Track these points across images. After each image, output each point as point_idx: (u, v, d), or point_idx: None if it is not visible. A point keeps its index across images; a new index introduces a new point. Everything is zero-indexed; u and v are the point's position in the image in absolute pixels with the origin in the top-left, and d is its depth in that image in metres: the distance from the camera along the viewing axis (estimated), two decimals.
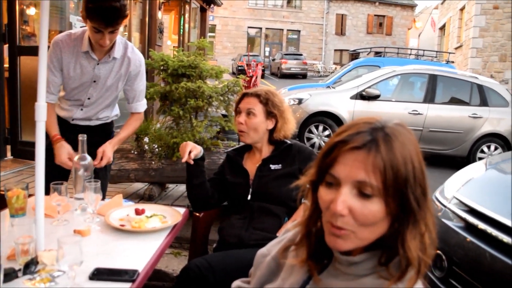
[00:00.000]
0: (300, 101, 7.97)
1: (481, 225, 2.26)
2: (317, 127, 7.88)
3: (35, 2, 5.95)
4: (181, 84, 3.82)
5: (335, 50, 38.34)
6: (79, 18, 5.91)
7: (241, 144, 2.48)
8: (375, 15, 38.86)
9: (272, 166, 2.25)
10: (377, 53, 16.30)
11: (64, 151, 2.30)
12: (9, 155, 5.55)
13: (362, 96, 7.88)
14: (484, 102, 7.95)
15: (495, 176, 2.97)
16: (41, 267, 1.47)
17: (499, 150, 7.81)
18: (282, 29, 38.37)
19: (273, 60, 32.68)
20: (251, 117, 2.26)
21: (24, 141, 5.46)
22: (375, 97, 7.84)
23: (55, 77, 2.39)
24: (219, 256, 2.03)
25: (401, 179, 0.92)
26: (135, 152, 4.02)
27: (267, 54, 37.48)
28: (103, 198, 2.22)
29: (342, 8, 38.15)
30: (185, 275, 1.90)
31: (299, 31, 38.32)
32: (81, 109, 2.54)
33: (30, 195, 1.97)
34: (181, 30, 12.61)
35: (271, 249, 1.22)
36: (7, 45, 5.47)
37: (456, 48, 20.72)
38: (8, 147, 5.59)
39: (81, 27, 2.37)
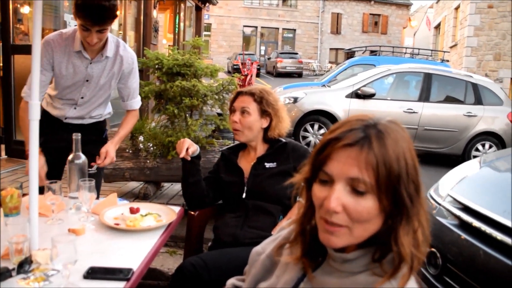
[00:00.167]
0: (295, 99, 7.98)
1: (475, 223, 2.26)
2: (312, 126, 7.89)
3: (29, 0, 5.92)
4: (176, 83, 3.81)
5: (331, 49, 38.38)
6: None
7: (236, 142, 2.48)
8: (370, 14, 38.92)
9: (267, 164, 2.26)
10: (373, 52, 16.35)
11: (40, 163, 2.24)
12: (3, 155, 5.53)
13: (357, 95, 7.90)
14: (478, 101, 7.98)
15: (489, 174, 2.98)
16: (35, 266, 1.47)
17: (494, 148, 7.85)
18: (278, 28, 38.38)
19: (269, 59, 32.68)
20: (246, 115, 2.26)
21: (18, 140, 5.44)
22: (370, 96, 7.86)
23: (43, 76, 2.37)
24: (214, 254, 2.03)
25: (394, 175, 0.92)
26: (130, 151, 4.01)
27: (262, 53, 37.50)
28: (97, 197, 2.22)
29: (338, 7, 38.19)
30: (180, 274, 1.90)
31: (295, 30, 38.33)
32: (74, 108, 2.54)
33: (24, 194, 1.96)
34: (176, 29, 12.58)
35: (266, 247, 1.22)
36: (1, 43, 5.44)
37: (451, 47, 20.78)
38: (2, 146, 5.57)
39: (75, 25, 2.35)
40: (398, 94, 8.28)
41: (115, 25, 8.01)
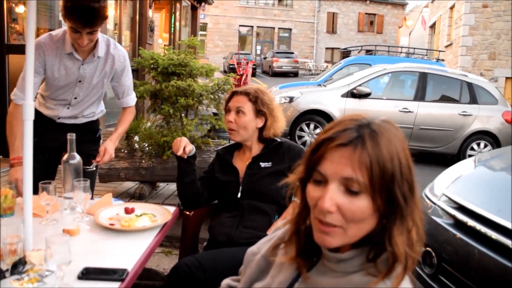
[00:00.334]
0: (291, 99, 7.98)
1: (470, 222, 2.27)
2: (308, 125, 7.89)
3: (24, 0, 5.90)
4: (171, 83, 3.80)
5: (326, 48, 38.41)
6: None
7: (232, 142, 2.47)
8: (366, 14, 38.96)
9: (262, 164, 2.25)
10: (368, 51, 16.36)
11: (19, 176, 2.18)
12: None
13: (353, 94, 7.91)
14: (473, 100, 8.01)
15: (484, 173, 2.99)
16: (29, 267, 1.46)
17: (489, 147, 7.88)
18: (274, 28, 38.38)
19: (265, 58, 32.69)
20: (241, 115, 2.26)
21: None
22: (366, 95, 7.87)
23: (35, 78, 2.35)
24: (209, 254, 2.02)
25: (388, 175, 0.92)
26: (126, 151, 4.00)
27: (258, 52, 37.49)
28: (92, 197, 2.21)
29: (333, 7, 38.22)
30: (175, 274, 1.90)
31: (291, 29, 38.34)
32: (68, 108, 2.53)
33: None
34: (172, 29, 12.57)
35: (261, 247, 1.22)
36: None
37: (446, 46, 20.83)
38: None
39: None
40: (394, 93, 8.30)
41: (110, 24, 8.00)
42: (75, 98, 2.49)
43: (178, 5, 12.60)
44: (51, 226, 1.87)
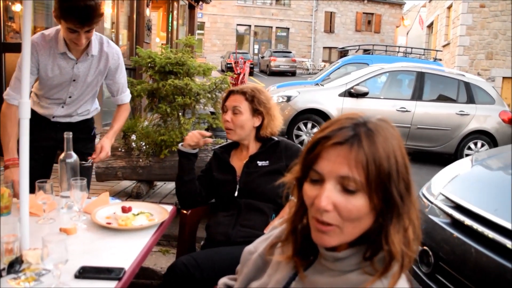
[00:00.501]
0: (288, 98, 7.98)
1: (467, 221, 2.27)
2: (305, 125, 7.90)
3: None
4: (168, 82, 3.80)
5: (324, 47, 38.42)
6: None
7: (229, 141, 2.48)
8: (363, 13, 38.99)
9: (259, 163, 2.26)
10: (366, 51, 16.36)
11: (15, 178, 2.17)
12: None
13: (350, 94, 7.91)
14: (471, 100, 8.02)
15: (481, 172, 2.99)
16: (25, 266, 1.46)
17: (486, 147, 7.89)
18: (271, 27, 38.37)
19: (262, 57, 32.68)
20: (237, 115, 2.26)
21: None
22: (363, 95, 7.87)
23: None
24: (206, 253, 2.02)
25: (384, 173, 0.92)
26: (123, 150, 4.00)
27: (256, 51, 37.47)
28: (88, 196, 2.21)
29: (331, 6, 38.23)
30: (171, 273, 1.90)
31: (288, 28, 38.34)
32: (62, 107, 2.52)
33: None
34: (170, 28, 12.56)
35: (258, 246, 1.22)
36: None
37: (443, 46, 20.87)
38: None
39: None
40: (391, 92, 8.31)
41: (107, 23, 7.98)
42: (70, 97, 2.48)
43: (175, 4, 12.59)
44: (48, 225, 1.87)
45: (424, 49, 18.23)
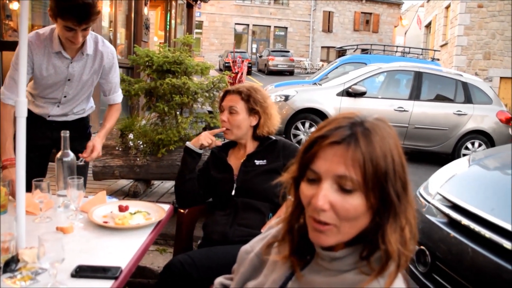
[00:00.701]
0: (286, 97, 7.98)
1: (464, 221, 2.27)
2: (303, 124, 7.90)
3: None
4: (166, 81, 3.79)
5: (322, 47, 38.43)
6: None
7: (226, 140, 2.48)
8: (362, 13, 39.01)
9: (257, 162, 2.26)
10: (364, 50, 16.36)
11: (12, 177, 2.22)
12: None
13: (348, 93, 7.91)
14: (468, 100, 8.03)
15: (478, 172, 3.00)
16: (22, 265, 1.46)
17: (483, 146, 7.91)
18: (269, 26, 38.34)
19: (260, 56, 32.68)
20: (234, 114, 2.26)
21: None
22: (361, 94, 7.88)
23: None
24: (203, 252, 2.02)
25: (381, 173, 0.92)
26: (120, 149, 3.99)
27: (254, 50, 37.43)
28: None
29: (329, 6, 38.23)
30: (168, 272, 1.89)
31: (286, 28, 38.33)
32: (58, 106, 2.52)
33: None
34: (168, 27, 12.54)
35: (254, 245, 1.21)
36: None
37: (441, 46, 20.89)
38: None
39: None
40: (389, 92, 8.31)
41: (105, 22, 7.96)
42: (65, 96, 2.48)
43: (173, 3, 12.57)
44: (44, 223, 1.86)
45: (422, 49, 18.23)
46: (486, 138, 7.93)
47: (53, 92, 2.45)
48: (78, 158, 2.29)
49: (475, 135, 7.94)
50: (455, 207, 2.42)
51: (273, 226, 1.21)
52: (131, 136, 3.99)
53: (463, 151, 7.88)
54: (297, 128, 7.90)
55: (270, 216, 2.19)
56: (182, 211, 2.30)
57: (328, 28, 38.50)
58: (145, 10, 9.30)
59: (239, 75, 6.69)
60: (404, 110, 7.85)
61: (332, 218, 0.94)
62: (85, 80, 2.46)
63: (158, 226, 1.92)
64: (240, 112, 2.26)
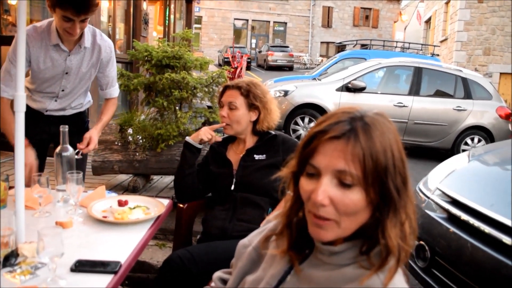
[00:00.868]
0: (286, 93, 7.97)
1: (464, 216, 2.28)
2: (303, 119, 7.89)
3: None
4: (165, 75, 3.78)
5: (322, 42, 38.35)
6: None
7: (225, 135, 2.47)
8: (361, 8, 38.91)
9: (256, 157, 2.25)
10: (363, 46, 16.39)
11: (32, 154, 2.26)
12: None
13: (347, 88, 7.90)
14: (468, 95, 8.03)
15: (477, 167, 3.00)
16: (21, 260, 1.46)
17: (482, 142, 7.91)
18: (269, 21, 38.26)
19: (260, 52, 32.62)
20: (233, 110, 2.26)
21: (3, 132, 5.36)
22: (360, 89, 7.87)
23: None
24: (202, 247, 2.02)
25: (381, 167, 0.92)
26: (119, 144, 3.99)
27: (253, 46, 37.38)
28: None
29: (329, 1, 38.12)
30: (167, 267, 1.90)
31: (286, 23, 38.24)
32: (55, 100, 2.51)
33: (10, 187, 1.94)
34: (167, 21, 12.51)
35: (252, 239, 1.21)
36: None
37: (441, 41, 20.86)
38: None
39: None
40: (388, 88, 8.31)
41: (104, 17, 7.94)
42: (63, 90, 2.47)
43: None
44: (44, 218, 1.86)
45: (422, 44, 18.28)
46: (485, 134, 7.94)
47: (50, 86, 2.44)
48: (77, 152, 2.29)
49: (475, 130, 7.94)
50: (455, 202, 2.42)
51: (270, 220, 1.20)
52: (130, 131, 3.98)
53: (463, 147, 7.89)
54: (296, 123, 7.90)
55: (270, 211, 2.19)
56: (181, 206, 2.30)
57: (327, 23, 38.41)
58: (144, 5, 9.27)
59: (238, 70, 6.68)
60: (404, 106, 7.85)
61: (331, 213, 0.93)
62: (83, 74, 2.46)
63: (158, 221, 1.91)
64: (240, 108, 2.26)
